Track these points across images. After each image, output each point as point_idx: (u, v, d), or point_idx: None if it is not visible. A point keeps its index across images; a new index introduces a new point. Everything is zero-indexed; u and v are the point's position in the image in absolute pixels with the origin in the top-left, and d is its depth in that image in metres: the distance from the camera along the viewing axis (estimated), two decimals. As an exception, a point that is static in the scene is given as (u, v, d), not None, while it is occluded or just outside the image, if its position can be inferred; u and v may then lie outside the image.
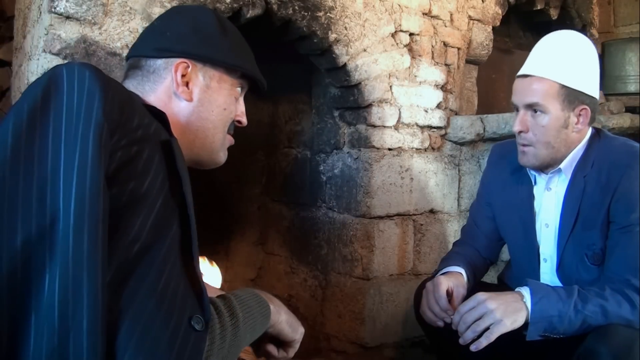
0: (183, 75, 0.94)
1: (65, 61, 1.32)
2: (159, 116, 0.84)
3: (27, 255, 0.62)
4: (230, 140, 1.05)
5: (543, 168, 1.36)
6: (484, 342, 1.15)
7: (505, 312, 1.16)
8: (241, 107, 1.05)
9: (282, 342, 0.98)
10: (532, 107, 1.30)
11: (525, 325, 1.17)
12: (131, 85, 0.95)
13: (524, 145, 1.34)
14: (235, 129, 1.05)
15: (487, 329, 1.16)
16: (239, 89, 1.03)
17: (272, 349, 0.98)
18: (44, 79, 0.69)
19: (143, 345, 0.68)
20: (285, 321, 0.95)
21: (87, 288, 0.62)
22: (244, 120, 1.06)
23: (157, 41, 0.96)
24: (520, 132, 1.32)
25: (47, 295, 0.61)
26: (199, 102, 0.96)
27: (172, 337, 0.71)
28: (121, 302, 0.68)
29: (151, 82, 0.94)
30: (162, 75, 0.94)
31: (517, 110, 1.34)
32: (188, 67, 0.95)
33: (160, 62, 0.94)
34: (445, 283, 1.33)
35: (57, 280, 0.60)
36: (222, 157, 1.03)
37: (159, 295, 0.71)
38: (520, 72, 1.34)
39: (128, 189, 0.71)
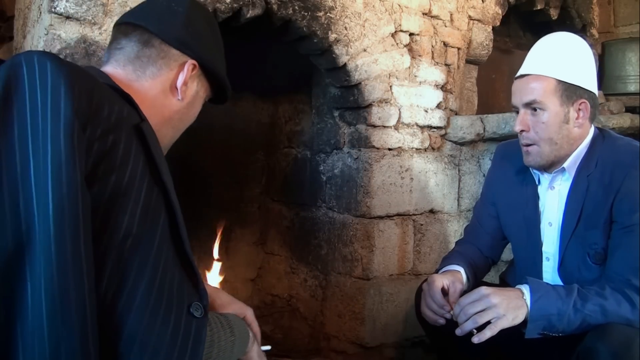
0: None
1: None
2: (126, 98, 0.83)
3: (6, 266, 0.59)
4: None
5: (547, 167, 1.37)
6: (487, 333, 1.15)
7: (508, 308, 1.16)
8: None
9: None
10: (531, 105, 1.31)
11: (525, 323, 1.18)
12: (132, 66, 0.92)
13: (527, 145, 1.35)
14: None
15: (488, 323, 1.16)
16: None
17: None
18: (1, 73, 0.64)
19: (148, 343, 0.68)
20: (256, 351, 0.97)
21: (74, 294, 0.60)
22: None
23: (179, 31, 0.94)
24: (522, 131, 1.34)
25: (31, 304, 0.58)
26: (187, 104, 0.97)
27: (174, 329, 0.71)
28: (122, 302, 0.67)
29: (156, 68, 0.92)
30: (170, 66, 0.93)
31: (517, 111, 1.35)
32: (194, 70, 0.95)
33: (175, 52, 0.93)
34: (439, 280, 1.33)
35: (43, 289, 0.58)
36: None
37: (157, 290, 0.70)
38: (517, 74, 1.36)
39: (110, 183, 0.69)
